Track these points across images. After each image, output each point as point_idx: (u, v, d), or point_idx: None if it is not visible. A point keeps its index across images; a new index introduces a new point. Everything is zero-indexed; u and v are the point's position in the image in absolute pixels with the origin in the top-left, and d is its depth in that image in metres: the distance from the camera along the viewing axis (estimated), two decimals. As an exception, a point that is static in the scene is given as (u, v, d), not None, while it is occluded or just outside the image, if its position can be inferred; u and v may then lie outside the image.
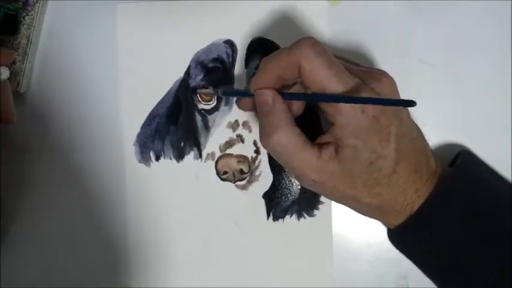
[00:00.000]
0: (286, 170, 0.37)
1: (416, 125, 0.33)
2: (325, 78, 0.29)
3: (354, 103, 0.29)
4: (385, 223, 0.34)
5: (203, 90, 0.37)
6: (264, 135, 0.31)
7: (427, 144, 0.33)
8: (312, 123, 0.36)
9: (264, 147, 0.32)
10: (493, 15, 0.36)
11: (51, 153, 0.38)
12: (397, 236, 0.34)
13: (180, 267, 0.38)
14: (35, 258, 0.38)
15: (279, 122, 0.30)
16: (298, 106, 0.33)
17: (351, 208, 0.33)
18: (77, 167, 0.38)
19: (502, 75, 0.37)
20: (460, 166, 0.33)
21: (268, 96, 0.31)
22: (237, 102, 0.36)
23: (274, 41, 0.37)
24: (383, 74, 0.32)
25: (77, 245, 0.38)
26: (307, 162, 0.30)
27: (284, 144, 0.30)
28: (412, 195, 0.31)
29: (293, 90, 0.33)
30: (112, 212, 0.38)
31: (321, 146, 0.31)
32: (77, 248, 0.38)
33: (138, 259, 0.38)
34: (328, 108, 0.30)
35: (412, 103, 0.26)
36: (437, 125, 0.34)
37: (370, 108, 0.29)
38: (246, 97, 0.34)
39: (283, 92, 0.32)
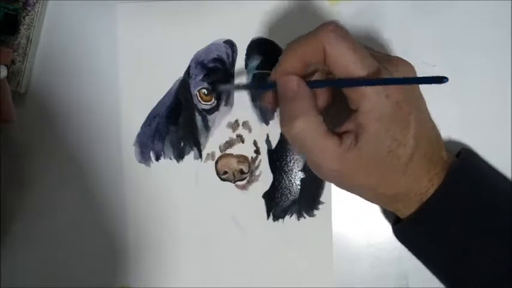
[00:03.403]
0: (304, 158, 0.36)
1: (430, 115, 0.33)
2: (349, 63, 0.29)
3: (380, 84, 0.29)
4: (395, 211, 0.34)
5: (227, 86, 0.37)
6: (286, 121, 0.30)
7: (440, 135, 0.33)
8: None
9: (285, 133, 0.31)
10: (493, 15, 0.36)
11: (51, 153, 0.38)
12: (405, 228, 0.34)
13: (180, 267, 0.38)
14: (34, 258, 0.38)
15: (303, 108, 0.30)
16: (324, 99, 0.32)
17: (364, 198, 0.33)
18: (77, 167, 0.38)
19: (501, 75, 0.37)
20: (465, 160, 0.33)
21: (293, 82, 0.30)
22: (262, 97, 0.35)
23: (274, 41, 0.37)
24: (402, 60, 0.31)
25: (76, 244, 0.38)
26: (327, 151, 0.30)
27: (306, 131, 0.30)
28: (426, 184, 0.31)
29: (314, 78, 0.32)
30: (112, 211, 0.38)
31: (341, 135, 0.30)
32: (76, 248, 0.38)
33: (138, 259, 0.38)
34: (352, 94, 0.30)
35: (442, 79, 0.26)
36: (438, 125, 0.34)
37: (394, 93, 0.29)
38: (269, 88, 0.33)
39: (308, 80, 0.31)
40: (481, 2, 0.36)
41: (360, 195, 0.33)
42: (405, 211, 0.33)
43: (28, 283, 0.38)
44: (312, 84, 0.31)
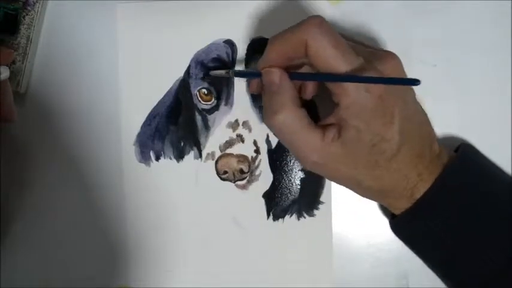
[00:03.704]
0: (289, 150, 0.36)
1: (421, 108, 0.33)
2: (331, 58, 0.29)
3: (358, 82, 0.29)
4: (387, 206, 0.34)
5: (217, 72, 0.36)
6: (269, 114, 0.31)
7: (432, 128, 0.33)
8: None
9: (268, 126, 0.32)
10: (493, 14, 0.36)
11: (51, 153, 0.38)
12: (399, 223, 0.34)
13: (180, 267, 0.38)
14: (34, 258, 0.38)
15: (285, 101, 0.30)
16: (310, 89, 0.32)
17: (353, 191, 0.33)
18: (77, 167, 0.38)
19: (501, 75, 0.37)
20: (464, 154, 0.33)
21: (275, 74, 0.31)
22: (248, 83, 0.36)
23: (274, 41, 0.37)
24: (389, 54, 0.31)
25: (76, 244, 0.38)
26: (310, 143, 0.30)
27: (288, 124, 0.30)
28: (414, 179, 0.31)
29: (302, 71, 0.32)
30: (112, 211, 0.38)
31: (324, 128, 0.31)
32: (76, 248, 0.38)
33: (138, 259, 0.38)
34: (334, 88, 0.30)
35: (415, 81, 0.26)
36: (438, 125, 0.34)
37: (375, 88, 0.29)
38: (256, 77, 0.33)
39: (291, 72, 0.31)
40: (481, 2, 0.36)
41: (349, 188, 0.33)
42: (398, 206, 0.33)
43: (28, 283, 0.38)
44: (295, 77, 0.31)
